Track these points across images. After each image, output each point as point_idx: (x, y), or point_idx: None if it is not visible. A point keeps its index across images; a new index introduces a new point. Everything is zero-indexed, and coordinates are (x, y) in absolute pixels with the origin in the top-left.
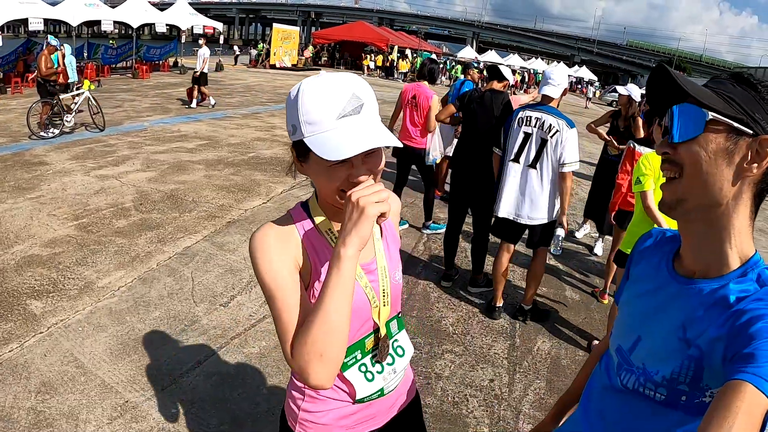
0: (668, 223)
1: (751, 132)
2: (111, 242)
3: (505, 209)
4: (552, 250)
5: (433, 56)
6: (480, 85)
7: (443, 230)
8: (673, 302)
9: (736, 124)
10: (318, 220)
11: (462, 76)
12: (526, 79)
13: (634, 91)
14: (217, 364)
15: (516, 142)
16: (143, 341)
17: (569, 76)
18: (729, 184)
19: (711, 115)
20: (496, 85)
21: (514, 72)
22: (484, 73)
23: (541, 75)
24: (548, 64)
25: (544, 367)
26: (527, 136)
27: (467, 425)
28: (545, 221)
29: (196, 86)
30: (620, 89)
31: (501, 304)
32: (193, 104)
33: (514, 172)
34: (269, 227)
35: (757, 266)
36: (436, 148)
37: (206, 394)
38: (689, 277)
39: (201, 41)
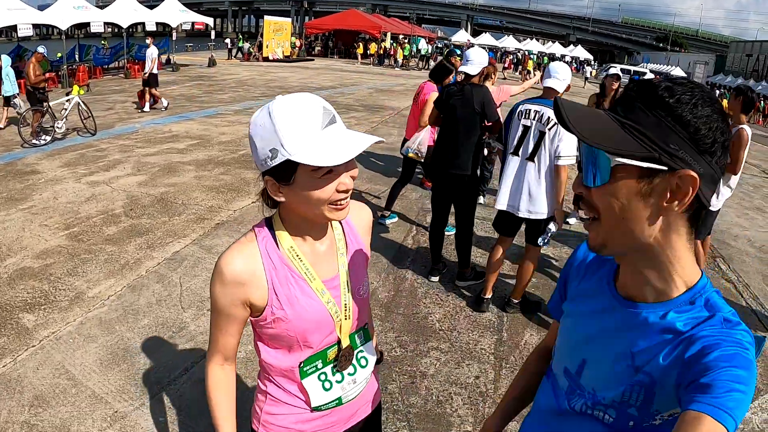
0: None
1: (666, 168)
2: (101, 250)
3: (504, 202)
4: (539, 242)
5: (424, 42)
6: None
7: (394, 221)
8: (617, 327)
9: (646, 165)
10: (281, 237)
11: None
12: (522, 61)
13: (618, 69)
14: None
15: (516, 135)
16: (132, 350)
17: (563, 56)
18: (650, 224)
19: (616, 160)
20: (474, 78)
21: (504, 54)
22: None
23: (536, 56)
24: (543, 44)
25: None
26: (526, 128)
27: (451, 425)
28: (544, 216)
29: (146, 89)
30: (614, 68)
31: (490, 296)
32: (146, 108)
33: (513, 164)
34: (235, 258)
35: (705, 291)
36: (415, 141)
37: (194, 400)
38: (632, 299)
39: (148, 40)
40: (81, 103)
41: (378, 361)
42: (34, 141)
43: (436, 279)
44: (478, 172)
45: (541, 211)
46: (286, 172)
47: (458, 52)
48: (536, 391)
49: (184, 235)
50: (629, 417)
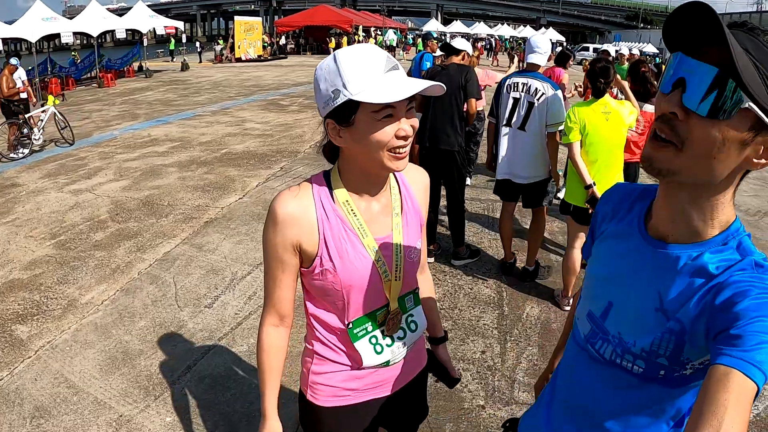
0: (597, 181)
1: None
2: (90, 257)
3: (503, 171)
4: (544, 202)
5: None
6: (442, 61)
7: None
8: (646, 267)
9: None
10: (337, 190)
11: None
12: (494, 46)
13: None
14: (207, 367)
15: (507, 108)
16: (132, 353)
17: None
18: (728, 169)
19: (748, 104)
20: (455, 59)
21: (475, 41)
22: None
23: (509, 41)
24: (515, 29)
25: (535, 333)
26: (516, 101)
27: (463, 400)
28: (539, 179)
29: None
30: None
31: (513, 260)
32: (13, 154)
33: (506, 135)
34: (288, 199)
35: (738, 234)
36: None
37: (199, 398)
38: (663, 239)
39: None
40: (57, 113)
41: (443, 339)
42: (11, 155)
43: (431, 259)
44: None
45: (538, 174)
46: (346, 113)
47: (434, 35)
48: None
49: (174, 235)
50: (659, 367)
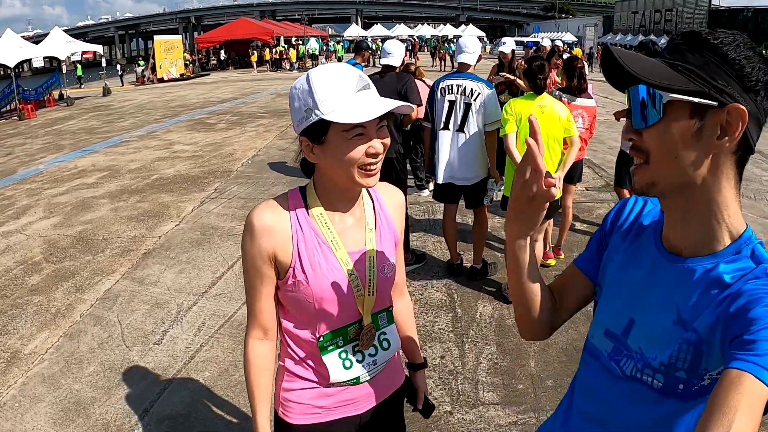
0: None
1: (716, 103)
2: (28, 302)
3: (444, 174)
4: (485, 201)
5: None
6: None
7: None
8: (664, 282)
9: (698, 100)
10: (312, 204)
11: (348, 57)
12: (414, 47)
13: (509, 42)
14: (165, 407)
15: (443, 111)
16: (84, 401)
17: (456, 37)
18: (701, 163)
19: (668, 96)
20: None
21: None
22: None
23: (432, 40)
24: (435, 28)
25: (491, 332)
26: (452, 103)
27: None
28: (478, 179)
29: None
30: (507, 40)
31: (460, 261)
32: None
33: (445, 139)
34: (265, 211)
35: (751, 242)
36: None
37: None
38: (678, 254)
39: None
40: None
41: (422, 366)
42: None
43: None
44: (407, 163)
45: (478, 174)
46: (319, 132)
47: (369, 44)
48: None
49: (112, 270)
50: (678, 380)
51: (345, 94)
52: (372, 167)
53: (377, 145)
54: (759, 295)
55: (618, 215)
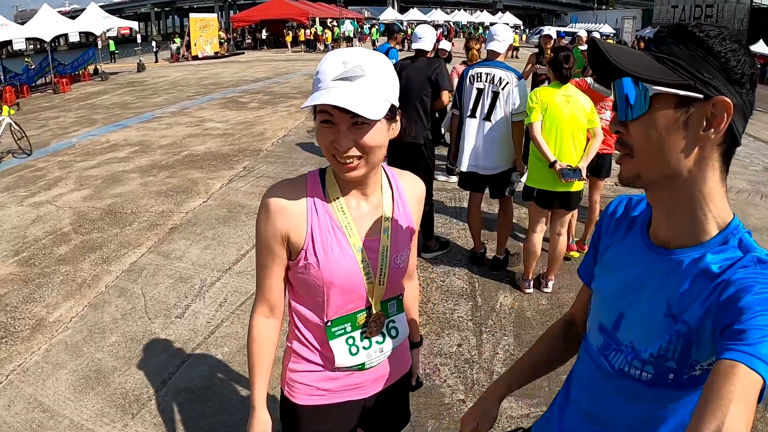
0: (558, 156)
1: (701, 96)
2: (55, 272)
3: (468, 162)
4: (506, 192)
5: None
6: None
7: None
8: (653, 276)
9: (683, 93)
10: (330, 187)
11: (382, 41)
12: (449, 32)
13: (551, 32)
14: (183, 380)
15: (471, 99)
16: (105, 370)
17: (492, 24)
18: (687, 155)
19: (654, 89)
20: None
21: (438, 27)
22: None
23: (467, 27)
24: (471, 14)
25: (510, 323)
26: (480, 91)
27: (443, 395)
28: (502, 169)
29: None
30: (546, 29)
31: (483, 250)
32: None
33: (471, 126)
34: (282, 189)
35: (738, 231)
36: None
37: (177, 413)
38: (665, 246)
39: None
40: (12, 124)
41: (417, 344)
42: None
43: None
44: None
45: (503, 165)
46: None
47: (400, 26)
48: (553, 359)
49: (139, 244)
50: (668, 371)
51: (324, 80)
52: (348, 161)
53: (343, 142)
54: (748, 284)
55: (612, 214)
